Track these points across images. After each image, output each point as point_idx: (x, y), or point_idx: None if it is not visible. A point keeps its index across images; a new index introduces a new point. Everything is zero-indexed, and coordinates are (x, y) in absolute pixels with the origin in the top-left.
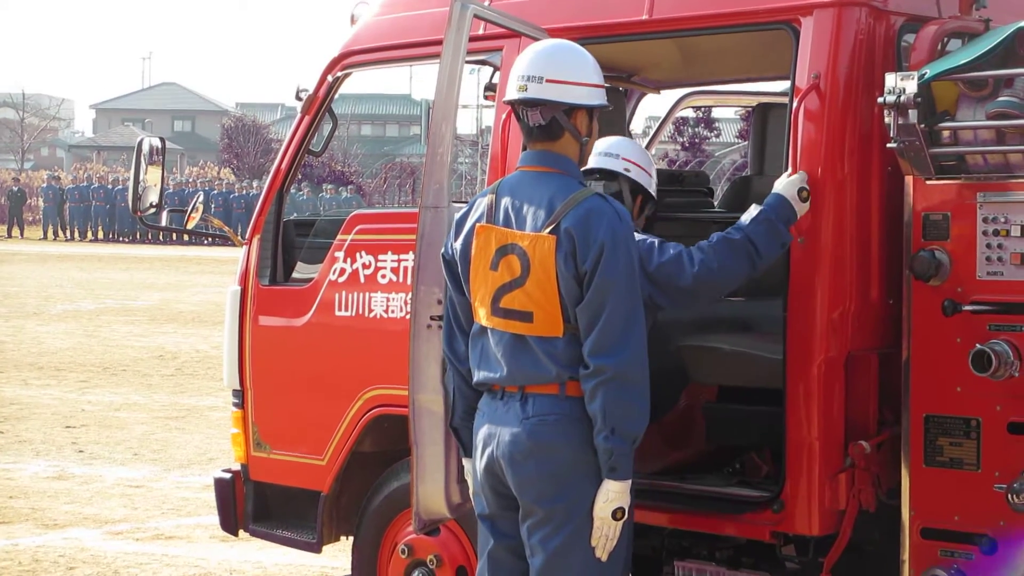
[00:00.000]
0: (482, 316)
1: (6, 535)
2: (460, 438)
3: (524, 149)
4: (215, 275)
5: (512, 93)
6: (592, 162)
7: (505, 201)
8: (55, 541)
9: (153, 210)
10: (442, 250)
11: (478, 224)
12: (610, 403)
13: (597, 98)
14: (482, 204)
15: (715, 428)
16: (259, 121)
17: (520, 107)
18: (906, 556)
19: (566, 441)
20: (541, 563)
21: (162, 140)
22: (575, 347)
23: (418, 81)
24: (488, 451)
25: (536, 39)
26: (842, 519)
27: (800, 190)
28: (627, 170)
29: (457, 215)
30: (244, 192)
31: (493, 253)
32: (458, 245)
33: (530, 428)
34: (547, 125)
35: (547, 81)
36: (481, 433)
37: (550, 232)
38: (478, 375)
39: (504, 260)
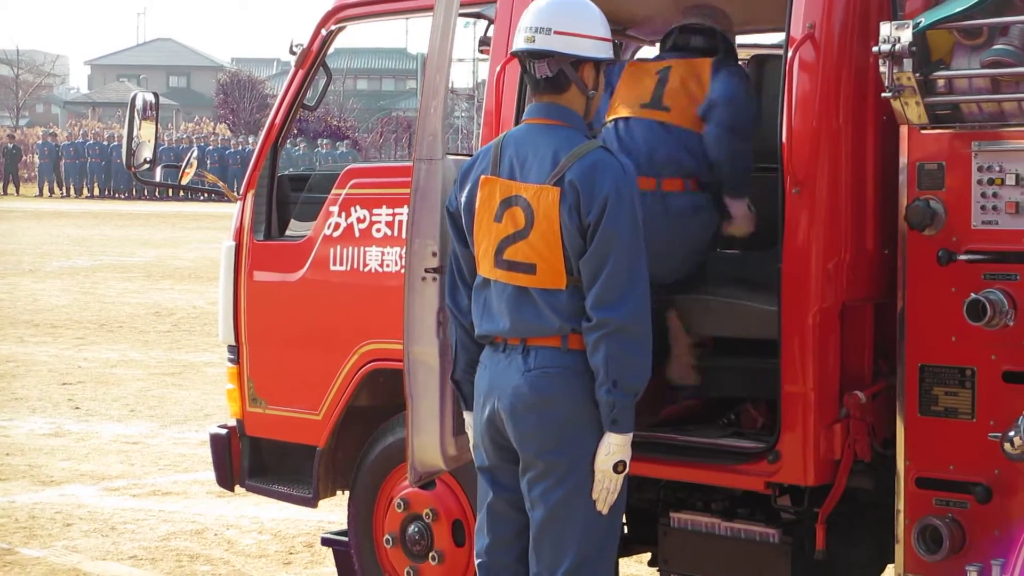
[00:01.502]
0: (485, 268)
1: (3, 492)
2: (461, 391)
3: (529, 102)
4: (211, 231)
5: (519, 44)
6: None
7: (510, 153)
8: (52, 498)
9: (147, 166)
10: (446, 202)
11: (482, 176)
12: (612, 356)
13: (604, 51)
14: (487, 156)
15: (710, 380)
16: (255, 76)
17: (527, 58)
18: (901, 506)
19: (568, 394)
20: (542, 516)
21: (156, 95)
22: (578, 300)
23: (414, 35)
24: (490, 404)
25: None
26: (837, 469)
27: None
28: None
29: (462, 167)
30: (240, 147)
31: (497, 205)
32: (463, 197)
33: (532, 380)
34: (554, 77)
35: (555, 32)
36: (482, 386)
37: (554, 184)
38: (480, 327)
39: (508, 212)
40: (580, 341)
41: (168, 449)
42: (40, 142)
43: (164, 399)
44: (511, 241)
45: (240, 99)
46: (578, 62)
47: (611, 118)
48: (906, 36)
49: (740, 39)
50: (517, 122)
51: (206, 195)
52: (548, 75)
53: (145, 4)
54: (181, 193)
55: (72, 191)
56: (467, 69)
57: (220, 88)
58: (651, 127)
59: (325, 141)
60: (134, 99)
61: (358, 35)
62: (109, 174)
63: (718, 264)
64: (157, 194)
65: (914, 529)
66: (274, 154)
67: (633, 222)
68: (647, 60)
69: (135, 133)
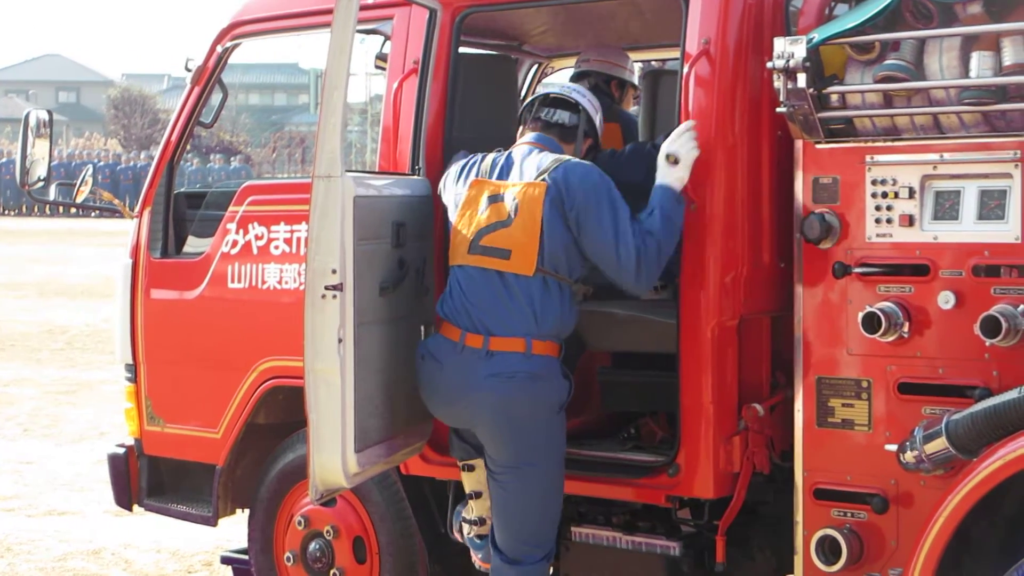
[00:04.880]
0: (458, 256)
1: None
2: None
3: (522, 124)
4: (104, 247)
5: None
6: (557, 88)
7: (501, 162)
8: None
9: (41, 184)
10: (440, 186)
11: (474, 179)
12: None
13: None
14: (484, 162)
15: (610, 394)
16: (146, 92)
17: (549, 103)
18: (800, 517)
19: (529, 398)
20: (500, 498)
21: (49, 113)
22: (547, 298)
23: (306, 50)
24: (448, 404)
25: (427, 7)
26: (736, 482)
27: (667, 156)
28: (585, 110)
29: (459, 164)
30: (132, 163)
31: (483, 200)
32: (457, 190)
33: (494, 386)
34: (569, 128)
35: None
36: (436, 383)
37: (540, 180)
38: (442, 308)
39: (493, 206)
40: (544, 347)
41: (63, 468)
42: None
43: (58, 418)
44: (491, 229)
45: (131, 114)
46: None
47: None
48: (800, 51)
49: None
50: (415, 137)
51: (99, 212)
52: (564, 123)
53: (32, 19)
54: (74, 210)
55: None
56: (360, 84)
57: (111, 103)
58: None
59: (218, 156)
60: (27, 117)
61: (250, 50)
62: None
63: None
64: (48, 211)
65: (813, 540)
66: (170, 171)
67: (607, 186)
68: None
69: (29, 151)
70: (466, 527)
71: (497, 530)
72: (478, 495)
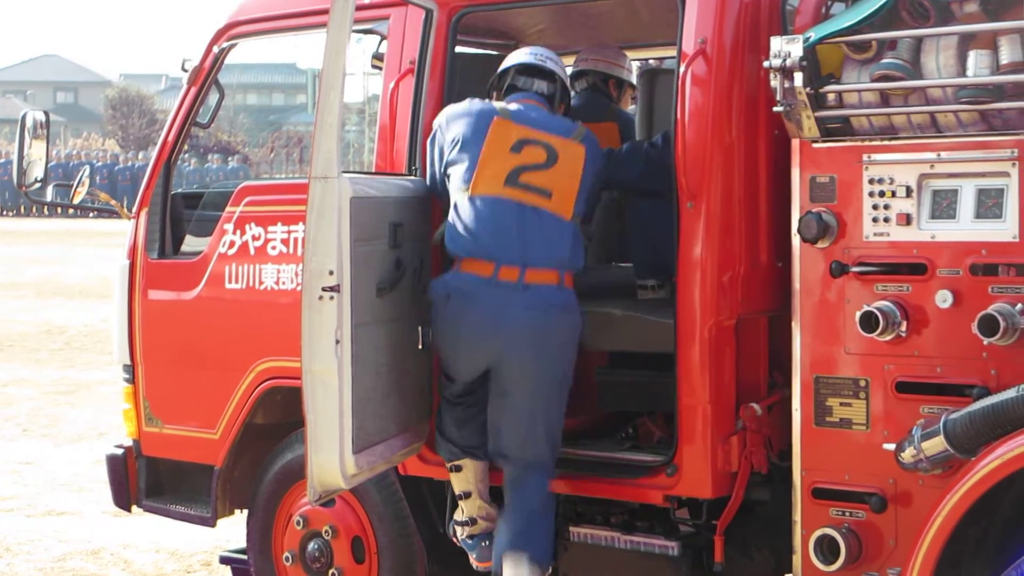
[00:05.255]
0: (490, 187)
1: None
2: None
3: (495, 92)
4: (102, 248)
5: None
6: (531, 58)
7: (513, 108)
8: None
9: (39, 185)
10: (434, 131)
11: (496, 116)
12: None
13: None
14: (494, 105)
15: (607, 394)
16: (143, 92)
17: (525, 72)
18: (798, 517)
19: (566, 329)
20: (516, 407)
21: (46, 114)
22: (576, 245)
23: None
24: (485, 342)
25: (424, 7)
26: (734, 481)
27: None
28: (561, 78)
29: (463, 104)
30: (129, 163)
31: (514, 141)
32: (460, 127)
33: (534, 318)
34: (548, 96)
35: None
36: (473, 320)
37: (579, 142)
38: (458, 245)
39: (528, 148)
40: (570, 281)
41: (62, 469)
42: None
43: (57, 418)
44: (530, 169)
45: (129, 115)
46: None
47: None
48: (796, 51)
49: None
50: (412, 136)
51: (96, 213)
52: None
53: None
54: (71, 211)
55: None
56: (358, 84)
57: (109, 104)
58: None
59: (216, 156)
60: (24, 118)
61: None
62: None
63: (615, 278)
64: (46, 211)
65: (811, 539)
66: (167, 172)
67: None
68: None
69: (26, 152)
70: (459, 530)
71: (508, 439)
72: (468, 495)
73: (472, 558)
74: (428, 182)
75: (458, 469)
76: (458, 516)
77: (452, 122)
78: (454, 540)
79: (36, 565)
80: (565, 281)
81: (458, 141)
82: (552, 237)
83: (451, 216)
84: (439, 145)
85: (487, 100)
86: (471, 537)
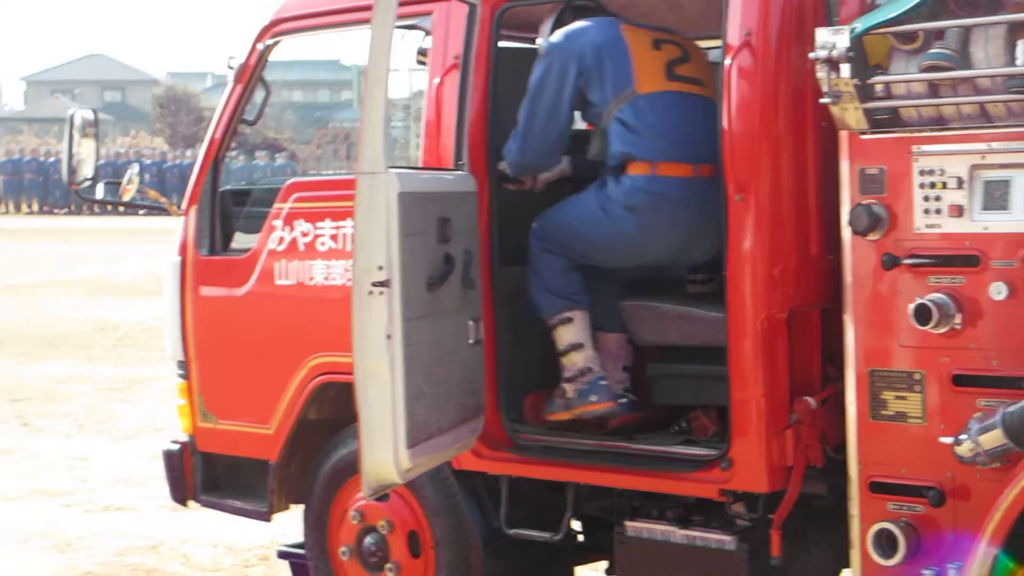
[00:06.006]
0: (655, 83)
1: None
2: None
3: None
4: (151, 245)
5: None
6: None
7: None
8: (5, 514)
9: (88, 183)
10: (572, 58)
11: (621, 23)
12: None
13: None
14: (605, 19)
15: (660, 388)
16: (190, 90)
17: None
18: (855, 511)
19: None
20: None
21: (95, 112)
22: None
23: (348, 46)
24: (688, 238)
25: (466, 2)
26: (790, 475)
27: None
28: None
29: (561, 34)
30: (177, 161)
31: (650, 42)
32: (585, 42)
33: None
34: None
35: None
36: (677, 221)
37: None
38: (642, 150)
39: (666, 46)
40: None
41: (119, 464)
42: None
43: (113, 414)
44: (679, 63)
45: (176, 113)
46: None
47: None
48: (842, 42)
49: None
50: (459, 132)
51: (146, 210)
52: None
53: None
54: (121, 208)
55: (11, 207)
56: (402, 79)
57: (156, 102)
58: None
59: (263, 153)
60: (73, 116)
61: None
62: (47, 190)
63: (665, 271)
64: (96, 209)
65: (869, 534)
66: (215, 169)
67: None
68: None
69: (75, 150)
70: (569, 387)
71: None
72: (580, 346)
73: (590, 404)
74: (541, 122)
75: (568, 321)
76: (569, 371)
77: (570, 42)
78: (562, 399)
79: (96, 560)
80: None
81: (589, 54)
82: (714, 125)
83: (613, 126)
84: (558, 70)
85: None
86: (588, 384)
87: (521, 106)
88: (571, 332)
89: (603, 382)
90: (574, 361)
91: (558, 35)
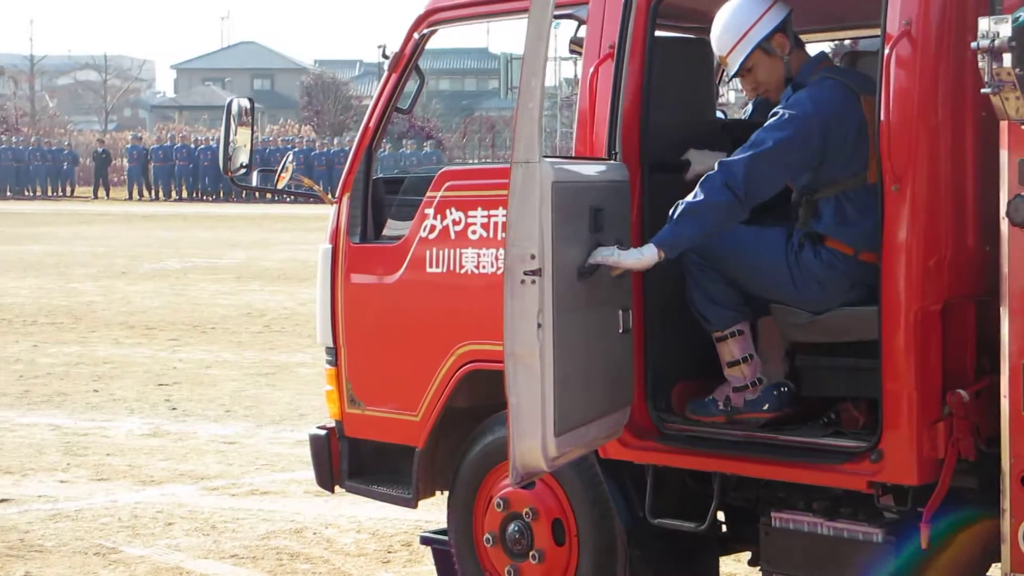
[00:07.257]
0: (874, 172)
1: (105, 492)
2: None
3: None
4: (299, 232)
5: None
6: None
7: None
8: (153, 497)
9: (244, 171)
10: (815, 124)
11: (862, 96)
12: None
13: (769, 23)
14: (844, 85)
15: (809, 379)
16: (338, 78)
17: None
18: (1007, 505)
19: None
20: None
21: (251, 101)
22: None
23: (496, 35)
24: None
25: None
26: (941, 468)
27: None
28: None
29: (818, 102)
30: (325, 149)
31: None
32: (837, 117)
33: None
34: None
35: (729, 54)
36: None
37: None
38: (863, 238)
39: None
40: None
41: (265, 449)
42: (128, 146)
43: (259, 399)
44: None
45: (324, 101)
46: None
47: None
48: (1005, 31)
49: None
50: (612, 121)
51: (293, 197)
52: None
53: (228, 7)
54: (269, 196)
55: (161, 194)
56: (551, 68)
57: (304, 90)
58: None
59: (410, 141)
60: (230, 105)
61: (441, 36)
62: (197, 176)
63: None
64: (244, 196)
65: (1020, 528)
66: (369, 157)
67: None
68: None
69: (231, 138)
70: (735, 396)
71: None
72: (751, 358)
73: (762, 412)
74: (769, 169)
75: (740, 333)
76: (737, 382)
77: (828, 118)
78: (726, 407)
79: (241, 543)
80: None
81: (834, 134)
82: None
83: (831, 202)
84: (809, 143)
85: (824, 75)
86: (759, 393)
87: (761, 139)
88: (740, 345)
89: (775, 391)
90: (744, 373)
91: (808, 102)
